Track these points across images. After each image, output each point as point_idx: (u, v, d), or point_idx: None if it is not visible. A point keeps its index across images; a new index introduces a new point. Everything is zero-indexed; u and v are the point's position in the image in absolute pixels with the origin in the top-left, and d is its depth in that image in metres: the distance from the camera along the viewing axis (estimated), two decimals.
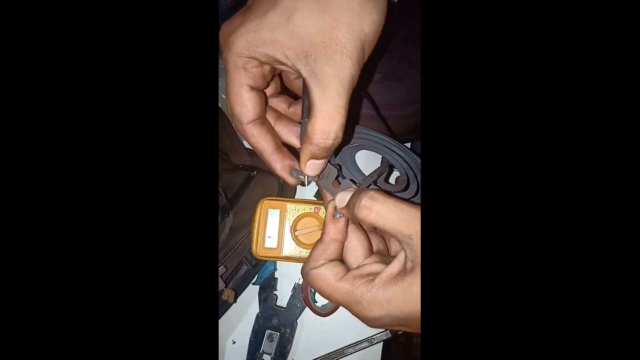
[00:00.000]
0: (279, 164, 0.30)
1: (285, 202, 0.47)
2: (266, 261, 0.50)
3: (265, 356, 0.49)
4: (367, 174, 0.34)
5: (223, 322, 0.50)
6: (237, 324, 0.51)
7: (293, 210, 0.46)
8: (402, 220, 0.26)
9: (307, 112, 0.27)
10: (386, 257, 0.32)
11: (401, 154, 0.39)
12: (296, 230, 0.46)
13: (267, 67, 0.28)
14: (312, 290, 0.50)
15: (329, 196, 0.32)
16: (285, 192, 0.51)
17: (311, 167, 0.29)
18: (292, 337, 0.50)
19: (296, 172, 0.31)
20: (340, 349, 0.50)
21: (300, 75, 0.26)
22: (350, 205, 0.28)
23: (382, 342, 0.50)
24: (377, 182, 0.34)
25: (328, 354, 0.50)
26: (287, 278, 0.52)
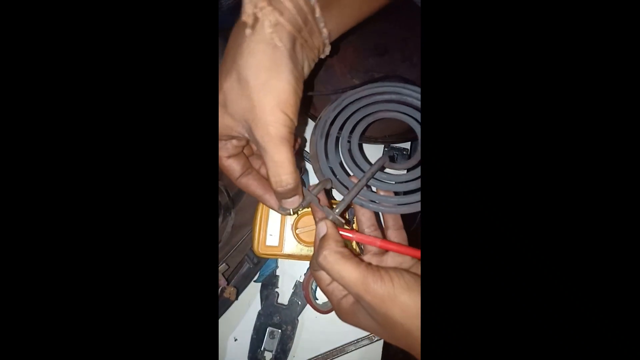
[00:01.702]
0: (269, 202, 0.37)
1: None
2: (268, 259, 0.51)
3: (266, 353, 0.49)
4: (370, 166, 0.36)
5: (225, 320, 0.50)
6: (239, 321, 0.51)
7: None
8: (345, 284, 0.31)
9: None
10: (379, 256, 0.37)
11: (395, 96, 0.39)
12: (297, 228, 0.47)
13: (235, 142, 0.35)
14: (313, 288, 0.51)
15: (320, 214, 0.37)
16: None
17: (288, 203, 0.35)
18: (294, 334, 0.50)
19: (282, 208, 0.36)
20: (341, 346, 0.50)
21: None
22: (317, 250, 0.34)
23: (382, 340, 0.51)
24: (385, 169, 0.37)
25: (329, 351, 0.51)
26: (288, 276, 0.52)
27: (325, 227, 0.34)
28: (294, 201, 0.35)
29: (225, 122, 0.32)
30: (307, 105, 0.48)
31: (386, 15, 0.50)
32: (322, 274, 0.35)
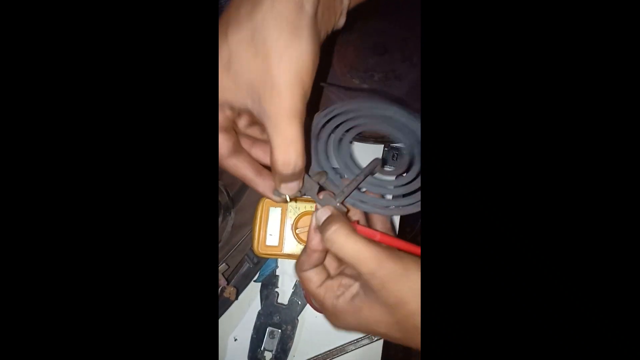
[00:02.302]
0: (261, 187, 0.33)
1: None
2: (267, 259, 0.51)
3: (266, 353, 0.49)
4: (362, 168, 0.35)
5: (225, 320, 0.50)
6: (239, 321, 0.51)
7: (294, 208, 0.47)
8: (358, 259, 0.29)
9: None
10: None
11: (397, 117, 0.38)
12: (297, 228, 0.47)
13: (228, 112, 0.30)
14: None
15: (316, 205, 0.34)
16: None
17: (286, 188, 0.31)
18: (293, 334, 0.50)
19: (277, 192, 0.32)
20: (341, 345, 0.50)
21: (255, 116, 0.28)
22: (321, 230, 0.31)
23: (382, 340, 0.51)
24: (374, 173, 0.36)
25: (329, 350, 0.50)
26: (289, 275, 0.52)
27: (328, 210, 0.32)
28: (293, 187, 0.31)
29: (224, 84, 0.27)
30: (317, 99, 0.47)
31: (386, 14, 0.50)
32: (311, 275, 0.32)
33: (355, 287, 0.31)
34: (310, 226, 0.33)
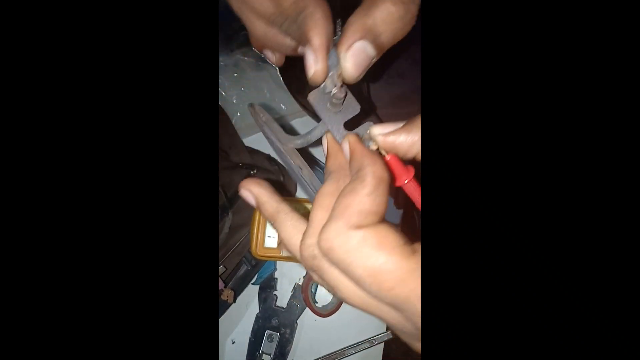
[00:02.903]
0: (317, 39, 0.20)
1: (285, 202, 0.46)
2: (266, 261, 0.50)
3: (265, 356, 0.49)
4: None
5: (222, 322, 0.50)
6: (237, 324, 0.51)
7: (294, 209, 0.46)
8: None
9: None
10: None
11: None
12: None
13: None
14: (313, 291, 0.50)
15: (336, 135, 0.23)
16: (285, 191, 0.50)
17: (358, 56, 0.20)
18: (292, 337, 0.49)
19: (335, 59, 0.21)
20: (341, 349, 0.50)
21: None
22: (414, 126, 0.19)
23: (383, 343, 0.50)
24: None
25: (328, 354, 0.50)
26: (287, 278, 0.51)
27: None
28: (367, 59, 0.21)
29: None
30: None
31: None
32: (389, 233, 0.19)
33: None
34: (355, 151, 0.21)
